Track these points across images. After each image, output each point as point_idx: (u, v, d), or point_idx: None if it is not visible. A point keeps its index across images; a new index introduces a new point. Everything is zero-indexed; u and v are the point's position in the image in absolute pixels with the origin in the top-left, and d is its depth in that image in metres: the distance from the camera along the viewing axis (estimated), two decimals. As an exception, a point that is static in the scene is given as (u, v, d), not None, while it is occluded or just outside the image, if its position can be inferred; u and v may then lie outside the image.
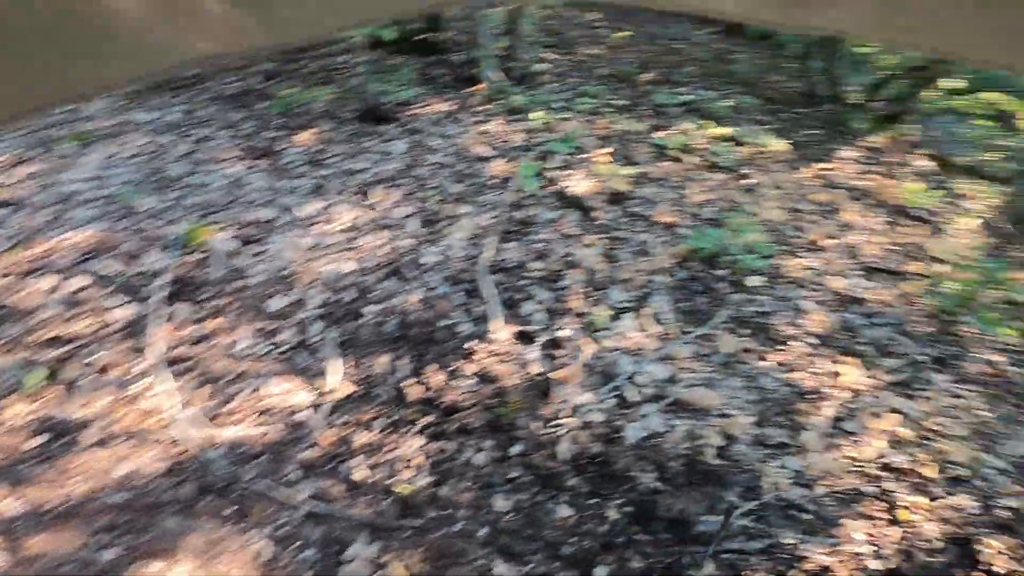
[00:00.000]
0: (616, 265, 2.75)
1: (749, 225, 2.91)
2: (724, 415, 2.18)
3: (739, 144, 3.82)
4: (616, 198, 3.17)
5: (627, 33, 4.99)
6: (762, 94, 4.79)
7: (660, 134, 3.69)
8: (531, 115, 3.70)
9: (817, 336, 2.60)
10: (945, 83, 4.68)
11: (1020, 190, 4.67)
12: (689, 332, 2.46)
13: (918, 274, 3.00)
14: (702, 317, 2.57)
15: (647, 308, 2.51)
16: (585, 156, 3.44)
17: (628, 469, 1.99)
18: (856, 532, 1.92)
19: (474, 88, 3.97)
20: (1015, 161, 5.40)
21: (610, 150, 3.45)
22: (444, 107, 3.89)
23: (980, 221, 3.65)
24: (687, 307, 2.62)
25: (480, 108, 3.87)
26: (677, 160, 3.45)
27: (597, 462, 2.02)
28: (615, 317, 2.44)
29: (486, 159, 3.44)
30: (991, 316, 2.65)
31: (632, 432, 2.05)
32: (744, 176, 3.51)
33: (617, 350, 2.30)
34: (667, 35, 5.37)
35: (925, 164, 4.43)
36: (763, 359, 2.48)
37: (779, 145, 3.95)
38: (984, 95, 4.70)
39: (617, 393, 2.18)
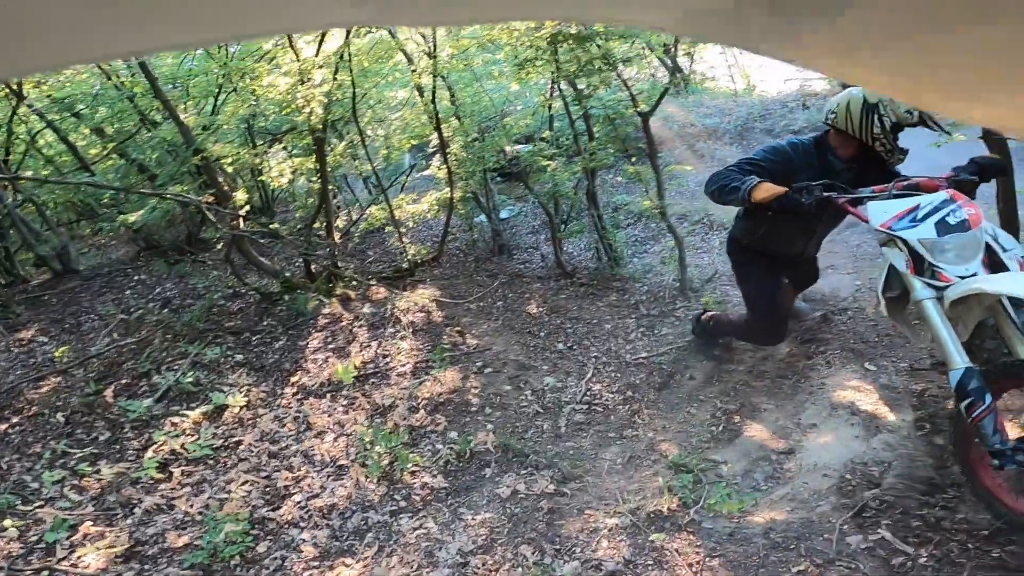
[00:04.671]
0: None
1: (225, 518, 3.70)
2: None
3: (219, 413, 4.52)
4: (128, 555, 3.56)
5: (65, 348, 5.18)
6: (226, 329, 5.52)
7: (150, 453, 4.10)
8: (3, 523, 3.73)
9: (316, 558, 3.57)
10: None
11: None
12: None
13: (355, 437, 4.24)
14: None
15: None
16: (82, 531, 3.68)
17: None
18: None
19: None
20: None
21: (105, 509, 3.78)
22: None
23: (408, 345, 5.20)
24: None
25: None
26: (164, 478, 3.99)
27: None
28: None
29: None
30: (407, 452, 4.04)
31: None
32: (232, 446, 4.26)
33: None
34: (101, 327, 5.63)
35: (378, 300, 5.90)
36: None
37: (245, 391, 4.72)
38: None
39: None
